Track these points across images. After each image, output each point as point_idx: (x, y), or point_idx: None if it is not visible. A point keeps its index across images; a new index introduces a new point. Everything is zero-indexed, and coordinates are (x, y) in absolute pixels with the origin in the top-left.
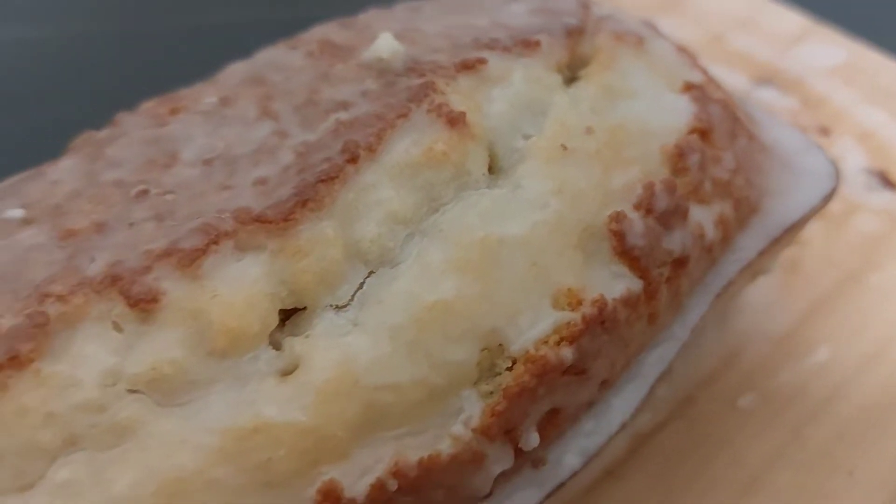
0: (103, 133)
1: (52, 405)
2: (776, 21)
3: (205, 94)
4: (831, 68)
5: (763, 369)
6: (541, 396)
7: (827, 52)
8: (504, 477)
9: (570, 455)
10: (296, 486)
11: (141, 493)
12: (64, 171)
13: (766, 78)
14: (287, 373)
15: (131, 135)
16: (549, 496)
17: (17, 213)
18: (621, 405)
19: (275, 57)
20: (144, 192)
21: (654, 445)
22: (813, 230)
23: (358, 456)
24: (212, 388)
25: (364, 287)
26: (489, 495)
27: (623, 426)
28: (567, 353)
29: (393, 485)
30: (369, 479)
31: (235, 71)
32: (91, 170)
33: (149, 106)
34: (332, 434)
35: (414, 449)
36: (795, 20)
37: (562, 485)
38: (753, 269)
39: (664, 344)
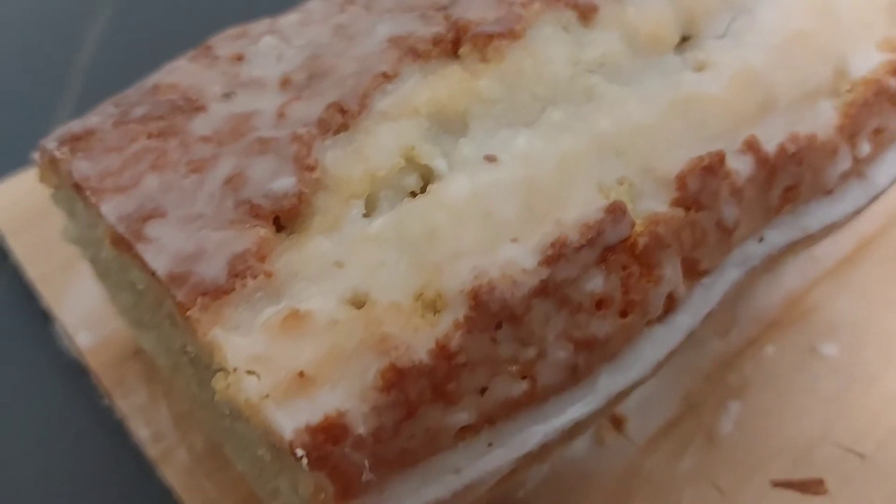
0: None
1: (539, 70)
2: None
3: None
4: None
5: None
6: (874, 113)
7: None
8: (842, 179)
9: (880, 176)
10: (726, 139)
11: (618, 129)
12: None
13: None
14: (698, 70)
15: None
16: (869, 202)
17: None
18: None
19: None
20: None
21: (877, 246)
22: None
23: (763, 125)
24: (645, 74)
25: (731, 26)
26: (830, 192)
27: None
28: (893, 81)
29: (791, 148)
30: (776, 142)
31: None
32: None
33: None
34: (744, 107)
35: (799, 130)
36: None
37: (876, 197)
38: None
39: None
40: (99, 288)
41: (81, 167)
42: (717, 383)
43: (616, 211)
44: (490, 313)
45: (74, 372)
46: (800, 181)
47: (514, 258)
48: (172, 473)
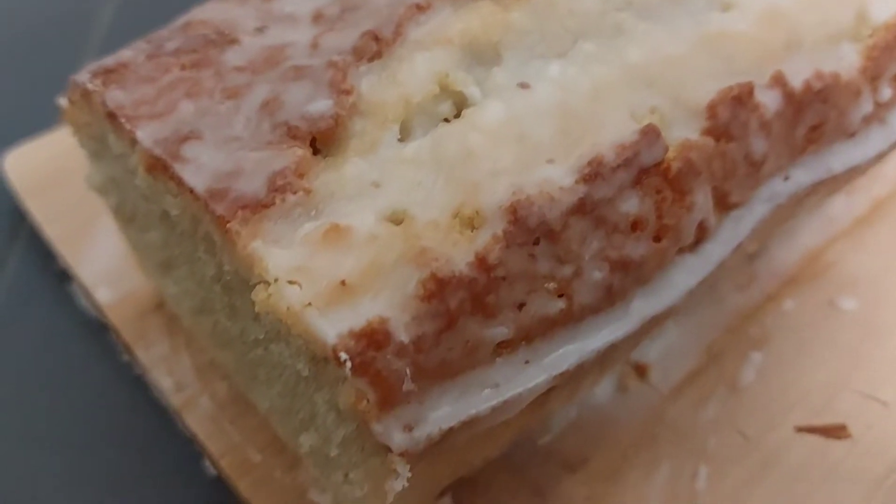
0: None
1: (570, 6)
2: None
3: None
4: None
5: None
6: (895, 57)
7: None
8: (864, 122)
9: None
10: (754, 73)
11: (649, 61)
12: None
13: None
14: (724, 10)
15: None
16: (890, 148)
17: None
18: None
19: None
20: None
21: (891, 207)
22: None
23: (789, 62)
24: (672, 13)
25: None
26: (853, 135)
27: None
28: None
29: (817, 85)
30: (803, 76)
31: None
32: None
33: None
34: (770, 44)
35: (824, 68)
36: None
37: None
38: None
39: None
40: (119, 244)
41: (116, 96)
42: (739, 335)
43: (650, 133)
44: (528, 228)
45: (93, 331)
46: (824, 120)
47: (551, 177)
48: (195, 421)
